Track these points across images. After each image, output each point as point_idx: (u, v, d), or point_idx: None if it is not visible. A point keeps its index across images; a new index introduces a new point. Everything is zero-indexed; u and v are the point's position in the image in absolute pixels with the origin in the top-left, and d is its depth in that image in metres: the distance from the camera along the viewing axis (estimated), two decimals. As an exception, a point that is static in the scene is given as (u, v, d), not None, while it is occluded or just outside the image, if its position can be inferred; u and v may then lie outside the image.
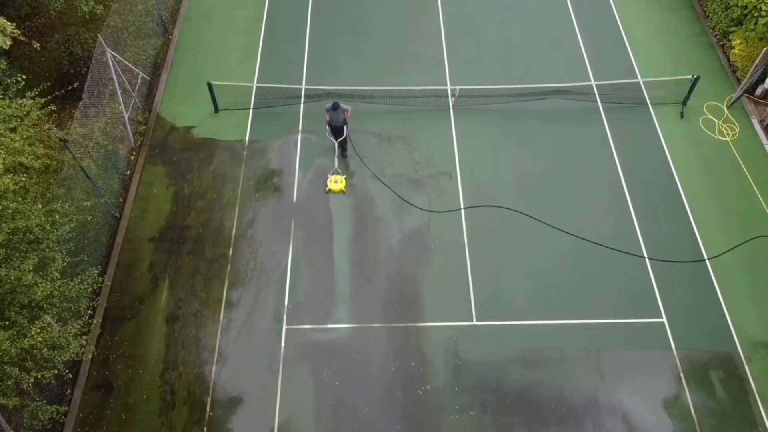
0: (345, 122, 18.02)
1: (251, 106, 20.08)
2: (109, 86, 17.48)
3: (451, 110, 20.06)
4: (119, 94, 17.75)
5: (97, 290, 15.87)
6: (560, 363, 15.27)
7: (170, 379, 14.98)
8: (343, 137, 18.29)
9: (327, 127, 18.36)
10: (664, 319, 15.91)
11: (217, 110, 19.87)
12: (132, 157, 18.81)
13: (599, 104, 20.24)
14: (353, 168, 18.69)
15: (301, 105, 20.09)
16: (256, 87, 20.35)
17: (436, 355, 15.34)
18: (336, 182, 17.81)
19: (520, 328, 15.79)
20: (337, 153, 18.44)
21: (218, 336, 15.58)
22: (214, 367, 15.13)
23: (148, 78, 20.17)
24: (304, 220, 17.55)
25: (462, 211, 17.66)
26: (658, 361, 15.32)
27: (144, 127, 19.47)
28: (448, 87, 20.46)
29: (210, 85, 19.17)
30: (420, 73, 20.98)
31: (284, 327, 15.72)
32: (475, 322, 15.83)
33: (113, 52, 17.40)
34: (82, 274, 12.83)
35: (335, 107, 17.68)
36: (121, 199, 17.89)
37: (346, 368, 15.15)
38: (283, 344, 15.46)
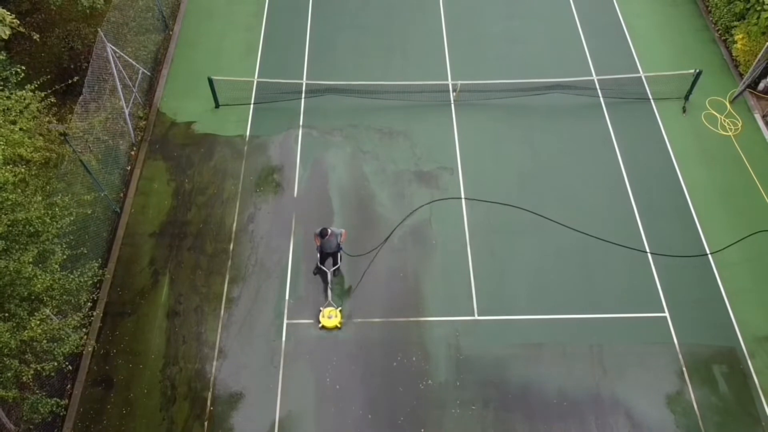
0: (339, 248, 15.80)
1: (252, 102, 20.02)
2: (109, 81, 17.43)
3: (453, 105, 19.99)
4: (120, 90, 17.69)
5: (98, 283, 15.84)
6: (562, 358, 15.17)
7: (171, 374, 14.93)
8: (338, 266, 16.07)
9: (317, 255, 15.95)
10: (667, 314, 15.83)
11: (217, 105, 19.82)
12: (132, 153, 18.77)
13: (601, 99, 20.17)
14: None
15: (302, 100, 20.02)
16: (257, 82, 20.28)
17: (438, 350, 15.28)
18: (330, 317, 15.48)
19: (521, 323, 15.71)
20: (330, 283, 15.93)
21: (219, 331, 15.53)
22: (214, 363, 15.08)
23: (148, 73, 20.13)
24: (305, 215, 17.47)
25: (464, 206, 17.58)
26: (660, 356, 15.25)
27: (144, 123, 19.43)
28: (449, 82, 20.39)
29: (211, 81, 19.12)
30: (421, 67, 20.92)
31: (285, 322, 15.67)
32: (476, 317, 15.77)
33: (114, 48, 17.34)
34: (82, 267, 12.78)
35: (323, 234, 15.32)
36: (121, 194, 17.84)
37: (348, 363, 15.10)
38: (284, 339, 15.42)
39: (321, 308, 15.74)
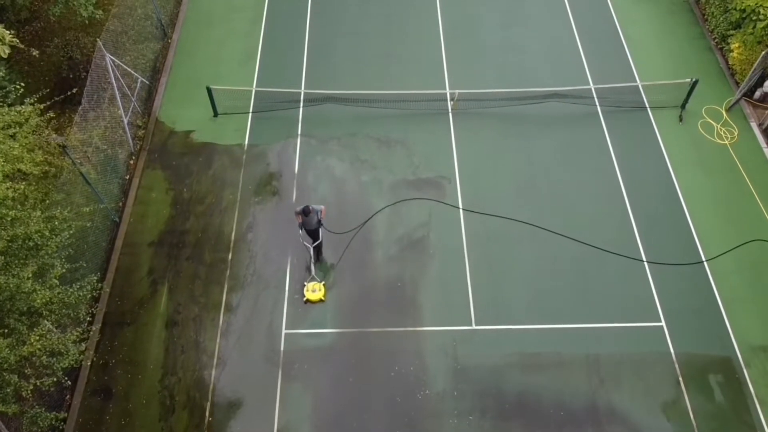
0: (319, 224, 16.19)
1: (250, 110, 20.07)
2: (108, 91, 17.47)
3: (450, 114, 20.04)
4: (118, 99, 17.73)
5: (97, 296, 15.87)
6: (559, 367, 15.22)
7: (170, 384, 14.97)
8: (319, 241, 16.41)
9: (299, 231, 16.39)
10: (663, 323, 15.89)
11: (216, 114, 19.86)
12: (131, 162, 18.81)
13: (598, 108, 20.22)
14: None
15: (300, 109, 20.09)
16: (255, 91, 20.32)
17: (436, 359, 15.30)
18: (314, 291, 16.05)
19: (519, 333, 15.72)
20: (312, 258, 16.51)
21: (218, 340, 15.57)
22: (213, 372, 15.10)
23: (147, 82, 20.16)
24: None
25: (461, 215, 17.62)
26: (656, 365, 15.32)
27: (143, 132, 19.47)
28: (447, 91, 20.41)
29: (209, 90, 19.14)
30: (419, 76, 20.98)
31: (283, 331, 15.67)
32: (474, 327, 15.79)
33: (112, 57, 17.39)
34: (81, 279, 12.81)
35: (306, 212, 15.69)
36: (120, 204, 17.87)
37: (346, 373, 15.12)
38: (282, 348, 15.44)
39: (305, 282, 16.26)
